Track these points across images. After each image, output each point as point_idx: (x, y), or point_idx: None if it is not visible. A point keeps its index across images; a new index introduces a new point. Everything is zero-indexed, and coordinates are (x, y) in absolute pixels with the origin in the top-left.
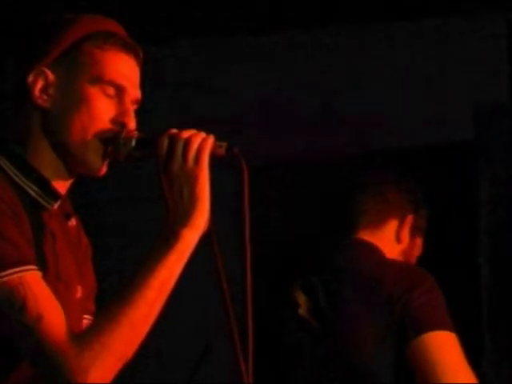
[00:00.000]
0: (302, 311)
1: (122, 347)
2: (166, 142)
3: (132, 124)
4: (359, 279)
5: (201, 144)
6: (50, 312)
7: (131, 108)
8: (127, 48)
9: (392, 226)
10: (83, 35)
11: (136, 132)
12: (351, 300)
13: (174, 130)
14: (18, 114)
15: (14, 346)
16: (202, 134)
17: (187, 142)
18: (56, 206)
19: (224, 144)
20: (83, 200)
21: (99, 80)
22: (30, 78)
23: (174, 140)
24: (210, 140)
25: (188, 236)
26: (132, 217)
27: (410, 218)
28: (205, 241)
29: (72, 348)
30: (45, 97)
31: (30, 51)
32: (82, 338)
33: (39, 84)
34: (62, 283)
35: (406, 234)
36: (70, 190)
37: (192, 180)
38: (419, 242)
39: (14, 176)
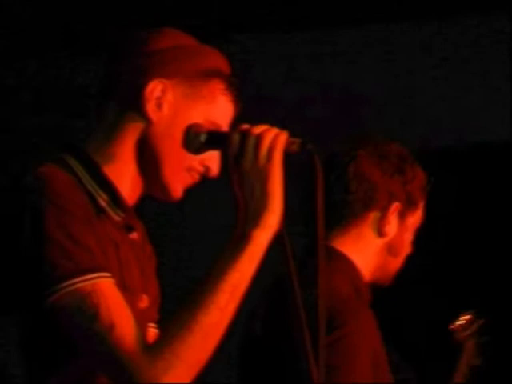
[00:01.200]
0: None
1: (195, 355)
2: (237, 137)
3: (215, 171)
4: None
5: (273, 140)
6: (123, 321)
7: (217, 155)
8: (236, 101)
9: (373, 216)
10: (214, 68)
11: (205, 128)
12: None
13: (246, 126)
14: (107, 115)
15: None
16: (275, 130)
17: (259, 138)
18: (121, 216)
19: (297, 140)
20: None
21: (210, 121)
22: (150, 87)
23: (245, 136)
24: (283, 136)
25: (260, 237)
26: None
27: (396, 206)
28: (276, 241)
29: (144, 358)
30: (157, 110)
31: (157, 60)
32: (154, 347)
33: (156, 94)
34: (127, 292)
35: (390, 224)
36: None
37: (264, 178)
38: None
39: (82, 178)
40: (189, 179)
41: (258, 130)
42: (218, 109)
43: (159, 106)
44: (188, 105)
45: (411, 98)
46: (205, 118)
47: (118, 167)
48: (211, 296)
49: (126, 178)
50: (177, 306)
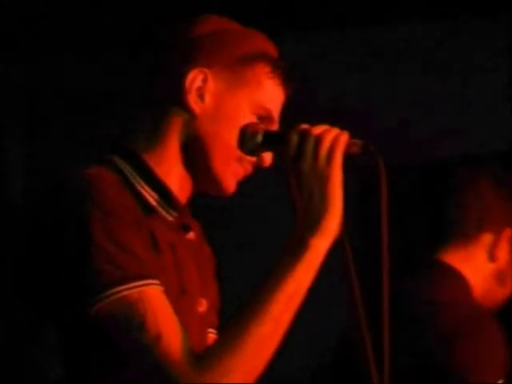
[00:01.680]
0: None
1: (246, 367)
2: (295, 138)
3: (268, 160)
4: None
5: (334, 141)
6: (170, 331)
7: None
8: (287, 83)
9: (486, 239)
10: (256, 52)
11: (262, 126)
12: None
13: (305, 125)
14: (150, 111)
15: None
16: (335, 131)
17: (319, 139)
18: (175, 216)
19: (359, 142)
20: None
21: (259, 106)
22: (191, 76)
23: (304, 136)
24: (344, 137)
25: (318, 244)
26: None
27: (509, 232)
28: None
29: (192, 369)
30: (199, 101)
31: (196, 48)
32: (203, 359)
33: (197, 85)
34: (185, 296)
35: (503, 250)
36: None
37: (323, 181)
38: None
39: (132, 179)
40: (241, 171)
41: (317, 130)
42: (265, 93)
43: (201, 96)
44: (232, 92)
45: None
46: (252, 104)
47: (166, 166)
48: (265, 306)
49: (174, 176)
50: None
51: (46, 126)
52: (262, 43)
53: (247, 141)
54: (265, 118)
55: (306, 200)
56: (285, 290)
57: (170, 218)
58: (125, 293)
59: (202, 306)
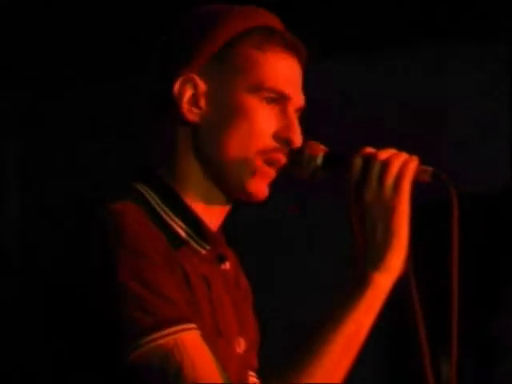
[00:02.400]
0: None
1: None
2: (359, 162)
3: (298, 140)
4: None
5: (402, 168)
6: (210, 377)
7: (296, 120)
8: (289, 46)
9: None
10: (238, 32)
11: (322, 147)
12: None
13: (370, 149)
14: (159, 132)
15: None
16: (404, 155)
17: (386, 165)
18: (208, 248)
19: (429, 169)
20: None
21: (259, 88)
22: (177, 87)
23: (369, 161)
24: (414, 163)
25: (381, 281)
26: None
27: None
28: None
29: None
30: (195, 109)
31: (173, 54)
32: None
33: (187, 94)
34: (221, 338)
35: None
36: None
37: (389, 212)
38: None
39: (160, 211)
40: (268, 170)
41: (384, 154)
42: (262, 70)
43: (195, 103)
44: (227, 85)
45: None
46: (252, 89)
47: (191, 189)
48: (324, 347)
49: (199, 193)
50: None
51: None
52: (242, 19)
53: (305, 163)
54: (277, 98)
55: (368, 231)
56: (344, 331)
57: (203, 251)
58: (160, 341)
59: (240, 346)
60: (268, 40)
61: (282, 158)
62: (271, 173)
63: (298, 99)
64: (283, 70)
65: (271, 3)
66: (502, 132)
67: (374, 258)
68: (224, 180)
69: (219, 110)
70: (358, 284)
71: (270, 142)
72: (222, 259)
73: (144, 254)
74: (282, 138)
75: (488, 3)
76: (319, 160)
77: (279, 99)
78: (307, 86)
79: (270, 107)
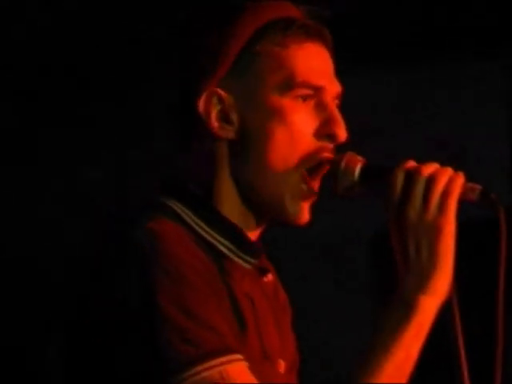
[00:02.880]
0: None
1: None
2: (401, 178)
3: (342, 132)
4: None
5: (448, 185)
6: None
7: (336, 111)
8: (313, 34)
9: None
10: (253, 33)
11: (360, 158)
12: None
13: (413, 163)
14: (188, 149)
15: None
16: (449, 171)
17: (431, 182)
18: (252, 262)
19: (477, 187)
20: None
21: (290, 86)
22: (201, 105)
23: (412, 177)
24: (460, 180)
25: (428, 305)
26: None
27: None
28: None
29: None
30: (226, 126)
31: (191, 69)
32: None
33: (214, 110)
34: (267, 360)
35: None
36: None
37: (434, 232)
38: None
39: (198, 229)
40: (312, 186)
41: (428, 169)
42: (290, 66)
43: (225, 119)
44: (257, 91)
45: None
46: (284, 89)
47: (223, 201)
48: (373, 376)
49: (236, 212)
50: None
51: None
52: (255, 16)
53: (341, 177)
54: (312, 94)
55: (411, 253)
56: (392, 360)
57: (248, 266)
58: (204, 374)
59: (281, 367)
60: (287, 32)
61: (329, 156)
62: (315, 186)
63: (333, 87)
64: (311, 61)
65: None
66: None
67: (420, 280)
68: (262, 201)
69: (252, 120)
70: (405, 308)
71: (312, 144)
72: (264, 271)
73: (185, 278)
74: (324, 135)
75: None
76: (356, 173)
77: (314, 93)
78: None
79: (306, 104)
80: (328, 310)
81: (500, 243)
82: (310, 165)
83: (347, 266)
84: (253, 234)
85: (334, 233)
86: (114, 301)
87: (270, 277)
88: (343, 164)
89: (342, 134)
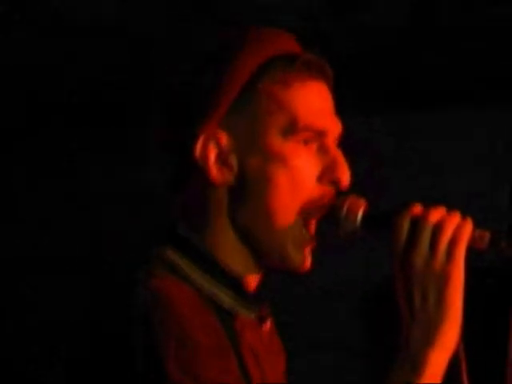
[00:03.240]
0: None
1: None
2: (406, 223)
3: (346, 178)
4: None
5: (457, 232)
6: None
7: (339, 154)
8: (314, 71)
9: None
10: (255, 70)
11: (363, 202)
12: None
13: (418, 207)
14: (186, 194)
15: None
16: (457, 217)
17: (438, 229)
18: (256, 311)
19: (486, 234)
20: None
21: (293, 129)
22: (198, 149)
23: (418, 223)
24: (469, 227)
25: (438, 360)
26: None
27: None
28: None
29: None
30: (225, 170)
31: (187, 110)
32: None
33: (212, 154)
34: None
35: None
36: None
37: (442, 280)
38: None
39: (200, 281)
40: (312, 232)
41: (435, 215)
42: (291, 108)
43: (225, 163)
44: (257, 133)
45: None
46: (285, 132)
47: (221, 249)
48: None
49: (235, 260)
50: None
51: None
52: (256, 52)
53: (343, 223)
54: (314, 137)
55: (417, 302)
56: None
57: (251, 316)
58: None
59: None
60: (290, 71)
61: (331, 201)
62: (313, 231)
63: (335, 128)
64: (314, 102)
65: None
66: None
67: (427, 333)
68: (263, 249)
69: (252, 164)
70: (413, 365)
71: (315, 189)
72: (263, 319)
73: (192, 342)
74: (327, 180)
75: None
76: (358, 219)
77: (316, 136)
78: None
79: (308, 147)
80: None
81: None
82: (312, 211)
83: None
84: (254, 280)
85: None
86: (122, 365)
87: (268, 324)
88: (345, 209)
89: (346, 179)
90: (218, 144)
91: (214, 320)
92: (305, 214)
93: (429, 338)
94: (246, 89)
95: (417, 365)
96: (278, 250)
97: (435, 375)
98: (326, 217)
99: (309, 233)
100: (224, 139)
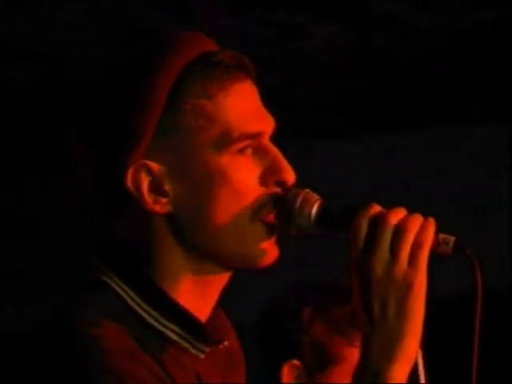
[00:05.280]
0: None
1: None
2: (364, 224)
3: (290, 175)
4: None
5: (419, 235)
6: None
7: (276, 151)
8: (237, 72)
9: None
10: (173, 86)
11: (317, 197)
12: None
13: (377, 207)
14: (124, 224)
15: None
16: (419, 219)
17: (399, 231)
18: (207, 351)
19: (451, 239)
20: None
21: (226, 142)
22: (129, 182)
23: (378, 224)
24: (431, 229)
25: (399, 374)
26: None
27: None
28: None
29: None
30: (161, 199)
31: (110, 143)
32: None
33: (145, 184)
34: None
35: None
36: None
37: (403, 288)
38: None
39: (145, 315)
40: (270, 224)
41: (395, 216)
42: (225, 120)
43: (158, 191)
44: (189, 153)
45: None
46: (225, 143)
47: (175, 277)
48: None
49: (192, 284)
50: None
51: None
52: (170, 63)
53: (295, 216)
54: (250, 143)
55: (376, 311)
56: None
57: (200, 355)
58: None
59: None
60: (211, 80)
61: (281, 192)
62: (272, 220)
63: (268, 126)
64: (243, 107)
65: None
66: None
67: (387, 346)
68: (220, 256)
69: (190, 188)
70: (372, 379)
71: (258, 194)
72: (218, 343)
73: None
74: (271, 182)
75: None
76: (313, 213)
77: (252, 141)
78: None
79: (244, 155)
80: None
81: (476, 297)
82: (264, 213)
83: None
84: (210, 297)
85: None
86: None
87: (226, 343)
88: (298, 201)
89: (290, 177)
90: (149, 172)
91: (155, 367)
92: (257, 216)
93: (389, 351)
94: (167, 110)
95: (379, 379)
96: (240, 254)
97: None
98: (277, 212)
99: (268, 225)
100: (154, 167)
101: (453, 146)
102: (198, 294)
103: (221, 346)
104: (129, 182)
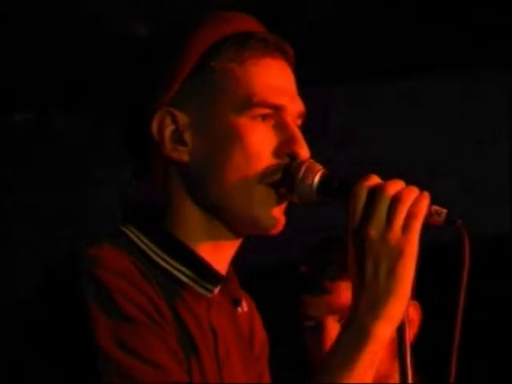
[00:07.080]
0: None
1: None
2: (363, 194)
3: (303, 150)
4: None
5: (414, 206)
6: None
7: (296, 128)
8: (272, 49)
9: None
10: (208, 48)
11: (320, 167)
12: None
13: (376, 179)
14: (145, 173)
15: None
16: (415, 191)
17: (395, 201)
18: (216, 291)
19: (444, 210)
20: None
21: (247, 105)
22: (154, 126)
23: (375, 194)
24: (426, 201)
25: (382, 333)
26: None
27: None
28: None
29: None
30: (180, 147)
31: (143, 89)
32: None
33: (168, 131)
34: None
35: None
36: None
37: (395, 254)
38: None
39: (154, 256)
40: (275, 193)
41: (392, 188)
42: (247, 85)
43: (179, 140)
44: (212, 110)
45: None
46: (241, 108)
47: (184, 226)
48: None
49: (201, 236)
50: None
51: None
52: (210, 31)
53: (298, 185)
54: (272, 114)
55: (368, 273)
56: None
57: (210, 295)
58: None
59: None
60: (244, 48)
61: (287, 163)
62: (281, 196)
63: (294, 106)
64: (270, 79)
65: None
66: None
67: (375, 305)
68: (230, 216)
69: (208, 142)
70: (358, 336)
71: (270, 162)
72: (236, 302)
73: (120, 309)
74: (284, 154)
75: None
76: (316, 182)
77: (274, 112)
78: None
79: (265, 123)
80: None
81: (462, 269)
82: (272, 178)
83: None
84: (225, 258)
85: None
86: (53, 334)
87: (244, 308)
88: (302, 170)
89: (304, 152)
90: (174, 120)
91: (151, 290)
92: (266, 182)
93: (376, 310)
94: (200, 67)
95: (362, 337)
96: (247, 215)
97: (379, 348)
98: (281, 180)
99: (276, 192)
100: (179, 116)
101: None
102: (214, 247)
103: (240, 310)
104: (154, 126)
